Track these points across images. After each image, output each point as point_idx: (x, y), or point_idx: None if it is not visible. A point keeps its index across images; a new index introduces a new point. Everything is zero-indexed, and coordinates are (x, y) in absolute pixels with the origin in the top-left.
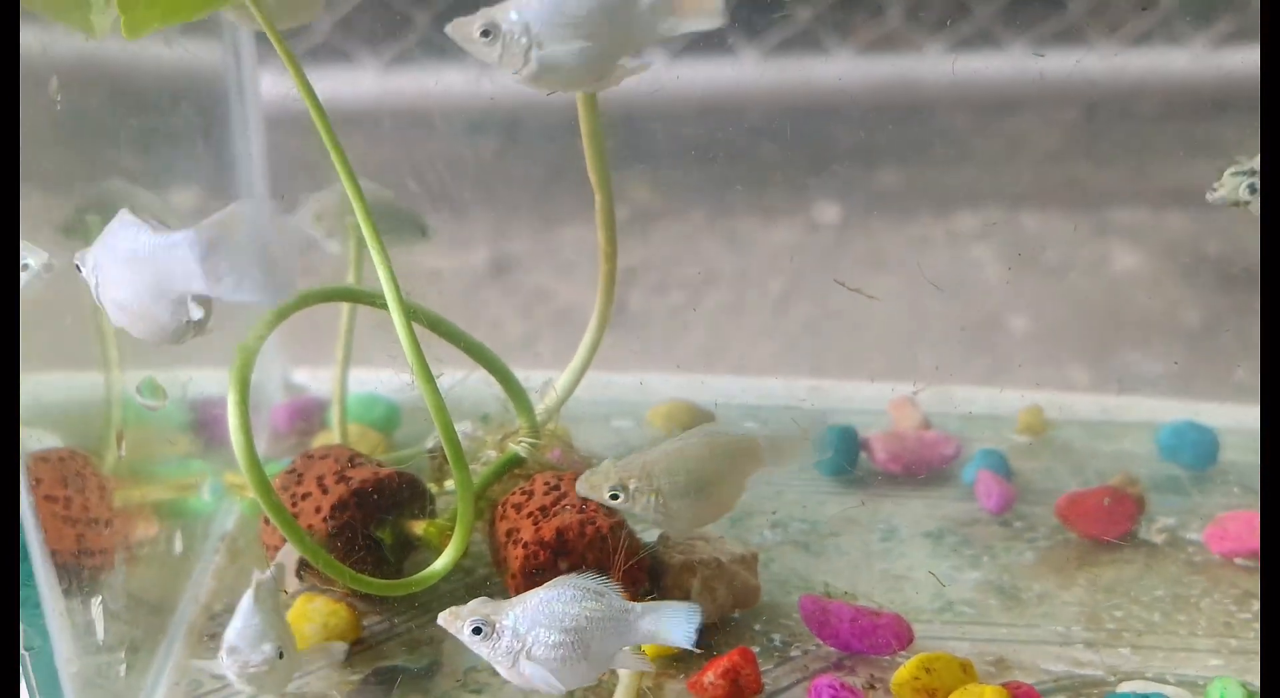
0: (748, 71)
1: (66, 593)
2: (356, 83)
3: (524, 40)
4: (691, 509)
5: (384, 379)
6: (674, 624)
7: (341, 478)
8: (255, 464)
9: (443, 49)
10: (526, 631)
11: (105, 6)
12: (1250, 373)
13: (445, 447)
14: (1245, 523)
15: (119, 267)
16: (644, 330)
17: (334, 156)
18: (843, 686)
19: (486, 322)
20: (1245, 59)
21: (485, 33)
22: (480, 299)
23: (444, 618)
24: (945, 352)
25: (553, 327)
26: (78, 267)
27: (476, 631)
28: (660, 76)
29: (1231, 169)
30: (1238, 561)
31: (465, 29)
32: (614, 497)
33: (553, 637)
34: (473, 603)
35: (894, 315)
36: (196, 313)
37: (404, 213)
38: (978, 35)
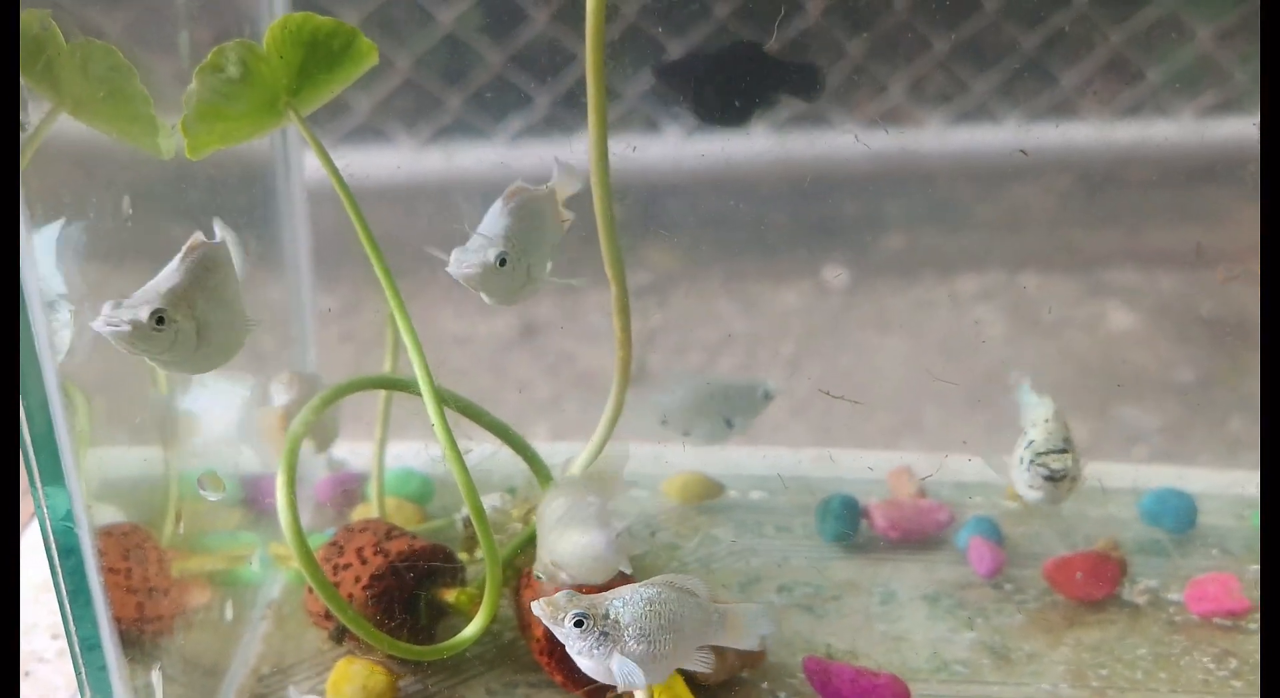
0: (759, 145)
1: (129, 658)
2: (393, 161)
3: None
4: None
5: (417, 451)
6: (748, 626)
7: (379, 550)
8: (301, 539)
9: (473, 129)
10: (626, 625)
11: (171, 132)
12: (1241, 425)
13: (473, 521)
14: (1222, 585)
15: None
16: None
17: (360, 231)
18: None
19: (514, 382)
20: (1230, 129)
21: None
22: (508, 362)
23: (540, 609)
24: (951, 406)
25: (577, 387)
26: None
27: (579, 623)
28: (680, 151)
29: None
30: (1215, 620)
31: None
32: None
33: (650, 633)
34: (563, 595)
35: (900, 375)
36: None
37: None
38: (976, 110)
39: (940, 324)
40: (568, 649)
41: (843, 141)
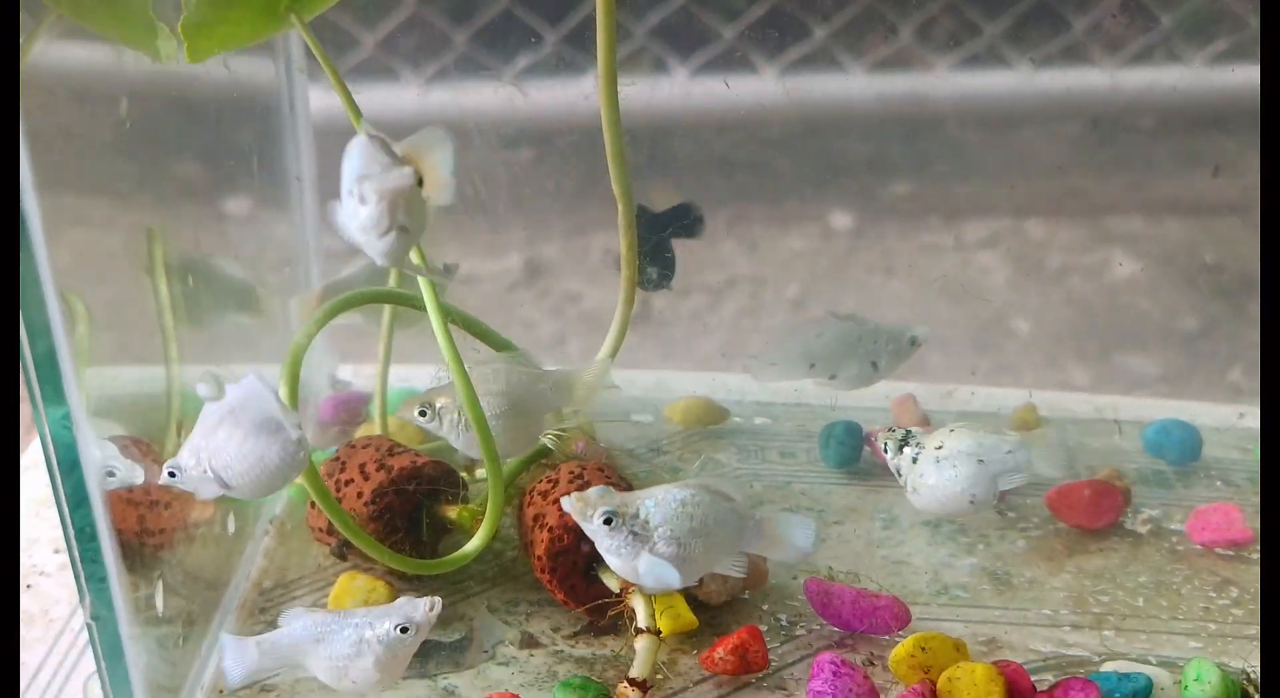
0: (767, 88)
1: (130, 569)
2: (399, 99)
3: None
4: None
5: (424, 375)
6: (792, 534)
7: (382, 466)
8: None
9: (480, 67)
10: (657, 525)
11: (170, 34)
12: (1242, 374)
13: (476, 435)
14: (1224, 515)
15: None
16: (667, 331)
17: None
18: (843, 662)
19: (520, 322)
20: (1241, 76)
21: None
22: (515, 301)
23: (570, 504)
24: (953, 353)
25: (581, 326)
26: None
27: (608, 520)
28: (688, 91)
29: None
30: (1217, 550)
31: None
32: (421, 413)
33: (680, 535)
34: (595, 491)
35: (903, 319)
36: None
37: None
38: (986, 52)
39: (945, 269)
40: (597, 547)
41: (852, 84)
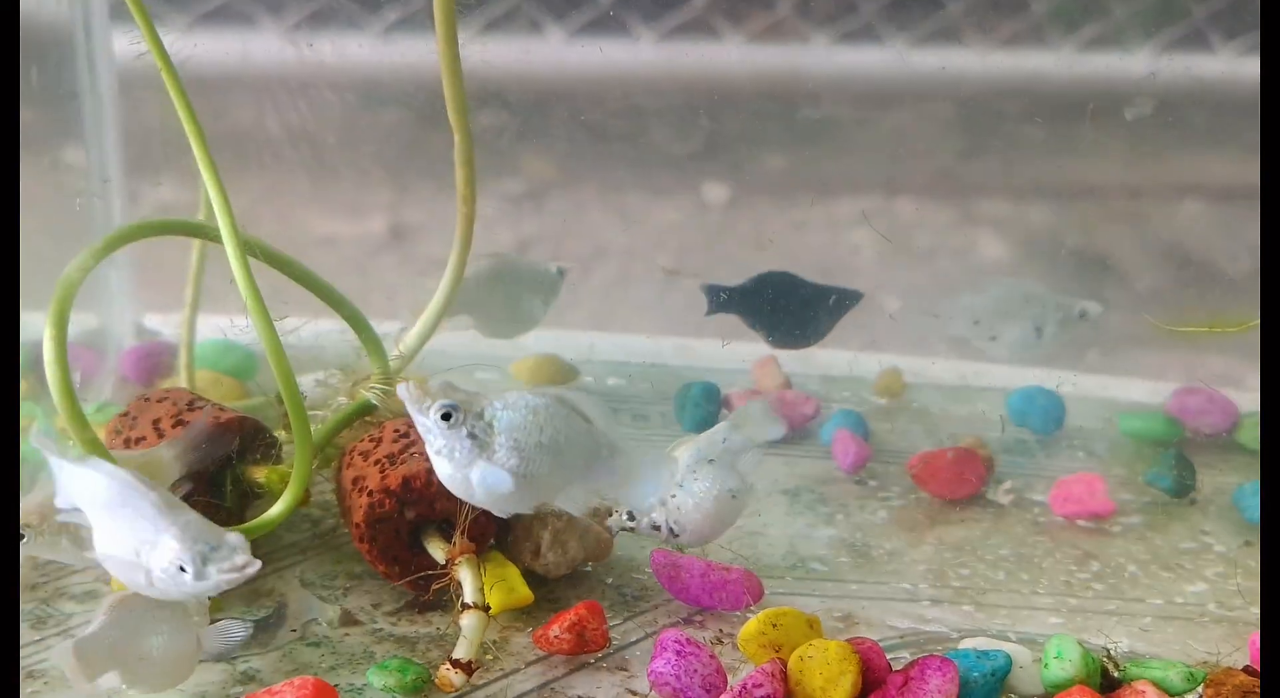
0: (644, 55)
1: None
2: (256, 47)
3: None
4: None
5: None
6: (652, 474)
7: (179, 422)
8: (71, 400)
9: (346, 18)
10: (502, 430)
11: None
12: (1099, 355)
13: (281, 390)
14: (1086, 486)
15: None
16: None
17: (186, 123)
18: (688, 641)
19: (381, 287)
20: (1106, 63)
21: None
22: (376, 265)
23: (406, 391)
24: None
25: None
26: None
27: (446, 416)
28: (561, 56)
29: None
30: (1079, 522)
31: None
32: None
33: (527, 446)
34: (441, 382)
35: None
36: None
37: (533, 270)
38: (862, 30)
39: (816, 245)
40: (427, 448)
41: (731, 56)
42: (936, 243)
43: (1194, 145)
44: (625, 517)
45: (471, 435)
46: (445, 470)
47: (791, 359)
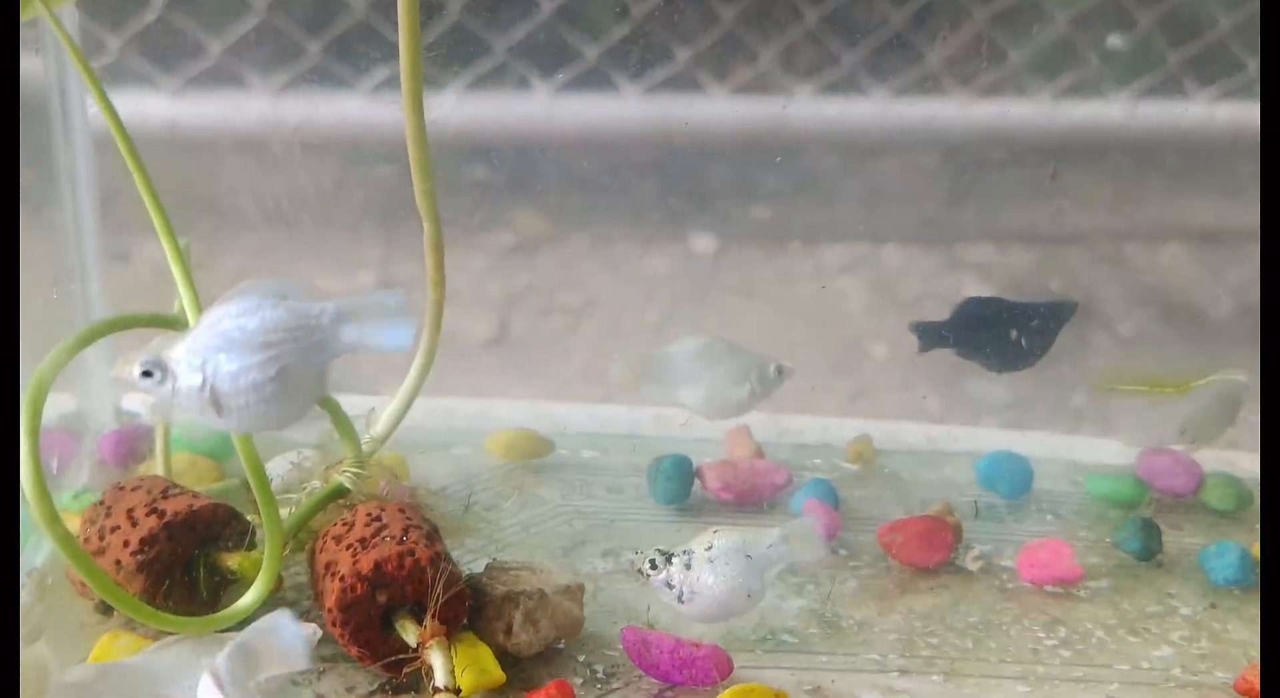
0: (630, 109)
1: None
2: (248, 107)
3: None
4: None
5: None
6: (380, 324)
7: (153, 510)
8: (42, 493)
9: (336, 77)
10: (205, 360)
11: None
12: (1084, 399)
13: (250, 477)
14: (1053, 551)
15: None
16: (525, 353)
17: (137, 180)
18: None
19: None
20: (1084, 111)
21: None
22: None
23: (117, 366)
24: (812, 377)
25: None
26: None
27: (147, 373)
28: (547, 112)
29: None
30: (1047, 588)
31: None
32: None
33: (239, 361)
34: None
35: (763, 342)
36: None
37: (752, 357)
38: (845, 81)
39: (804, 294)
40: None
41: (716, 109)
42: (923, 290)
43: (1174, 189)
44: (648, 563)
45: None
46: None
47: (764, 428)
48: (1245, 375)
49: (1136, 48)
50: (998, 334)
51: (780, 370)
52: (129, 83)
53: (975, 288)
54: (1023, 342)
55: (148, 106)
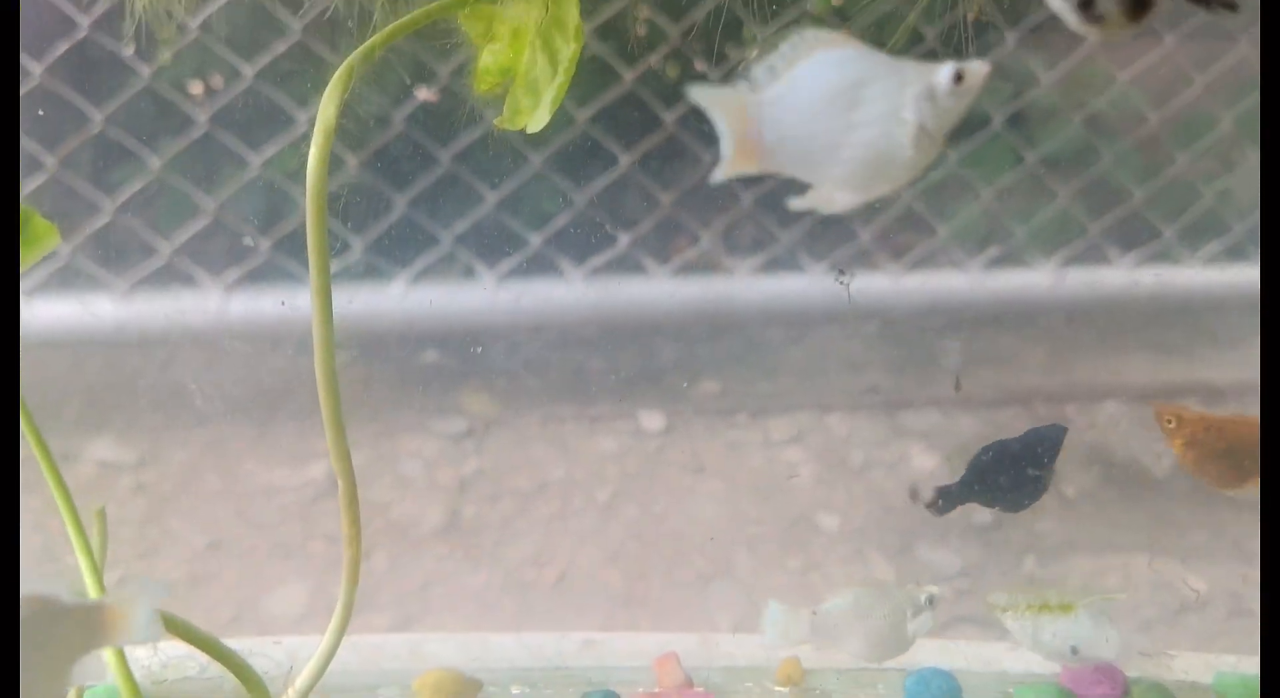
0: (574, 292)
1: None
2: (198, 304)
3: None
4: None
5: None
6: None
7: None
8: None
9: (285, 273)
10: None
11: None
12: (1036, 564)
13: None
14: None
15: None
16: (476, 539)
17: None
18: None
19: (323, 536)
20: (1012, 281)
21: None
22: (318, 512)
23: None
24: (760, 551)
25: (387, 539)
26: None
27: None
28: (493, 298)
29: None
30: None
31: None
32: None
33: None
34: None
35: (714, 517)
36: None
37: (900, 594)
38: (784, 257)
39: (752, 466)
40: None
41: (660, 288)
42: (869, 458)
43: (1106, 349)
44: None
45: None
46: None
47: (691, 654)
48: (1125, 594)
49: (1058, 218)
50: (1013, 474)
51: (931, 599)
52: (80, 285)
53: (922, 456)
54: (1032, 473)
55: (99, 307)
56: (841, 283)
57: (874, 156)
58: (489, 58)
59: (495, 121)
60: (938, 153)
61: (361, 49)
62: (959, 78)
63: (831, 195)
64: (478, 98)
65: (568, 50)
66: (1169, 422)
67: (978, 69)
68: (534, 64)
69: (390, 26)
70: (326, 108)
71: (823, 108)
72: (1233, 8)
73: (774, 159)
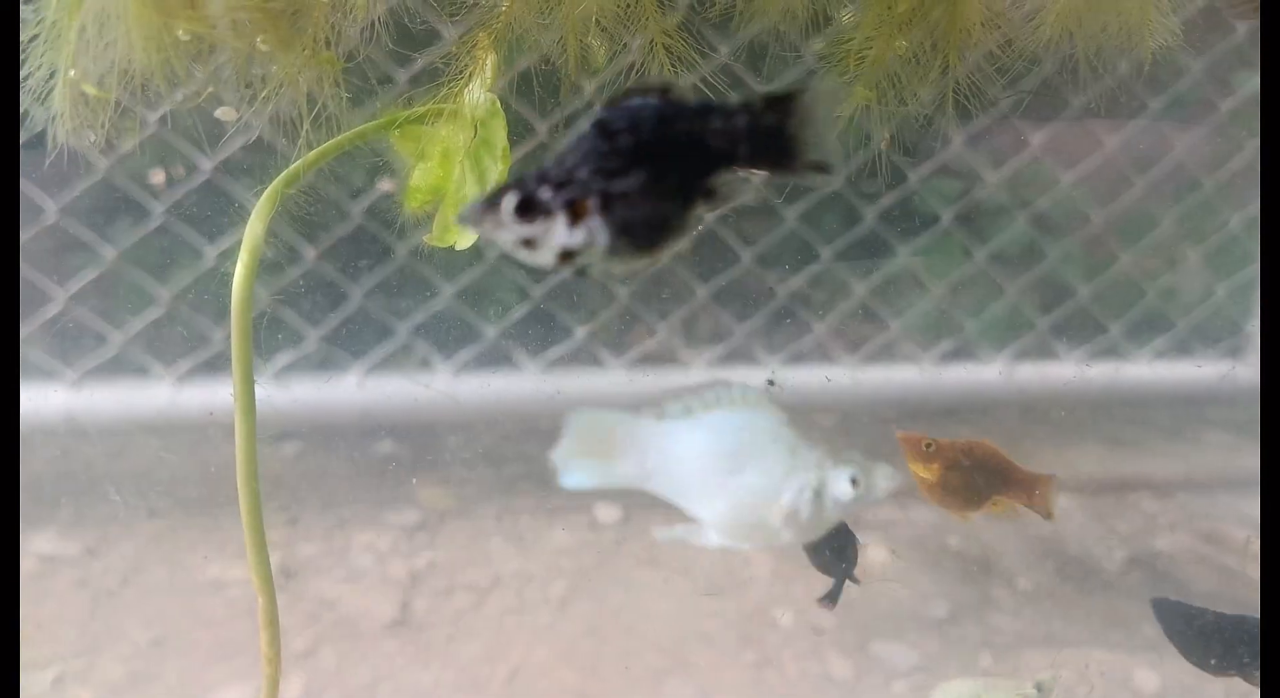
0: (529, 383)
1: None
2: (148, 395)
3: None
4: None
5: None
6: None
7: None
8: None
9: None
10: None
11: None
12: (992, 659)
13: None
14: None
15: None
16: (427, 636)
17: None
18: None
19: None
20: (960, 374)
21: None
22: None
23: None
24: (717, 646)
25: (336, 634)
26: None
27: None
28: (452, 388)
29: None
30: None
31: None
32: None
33: None
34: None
35: (669, 612)
36: None
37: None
38: (739, 351)
39: (709, 559)
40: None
41: (615, 378)
42: None
43: (1058, 442)
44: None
45: None
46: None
47: None
48: (1063, 673)
49: (1008, 313)
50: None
51: (1040, 687)
52: (30, 376)
53: (875, 548)
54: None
55: (49, 398)
56: (771, 383)
57: (746, 518)
58: (419, 176)
59: (425, 238)
60: (818, 533)
61: (286, 173)
62: (855, 483)
63: (708, 532)
64: (407, 216)
65: (495, 170)
66: (927, 446)
67: (883, 483)
68: (463, 183)
69: (317, 150)
70: (254, 226)
71: (709, 462)
72: (826, 171)
73: (654, 481)
